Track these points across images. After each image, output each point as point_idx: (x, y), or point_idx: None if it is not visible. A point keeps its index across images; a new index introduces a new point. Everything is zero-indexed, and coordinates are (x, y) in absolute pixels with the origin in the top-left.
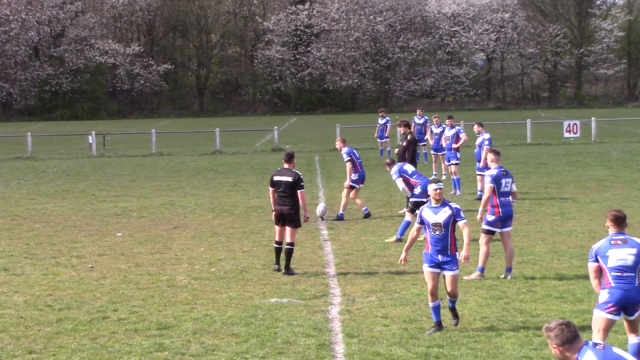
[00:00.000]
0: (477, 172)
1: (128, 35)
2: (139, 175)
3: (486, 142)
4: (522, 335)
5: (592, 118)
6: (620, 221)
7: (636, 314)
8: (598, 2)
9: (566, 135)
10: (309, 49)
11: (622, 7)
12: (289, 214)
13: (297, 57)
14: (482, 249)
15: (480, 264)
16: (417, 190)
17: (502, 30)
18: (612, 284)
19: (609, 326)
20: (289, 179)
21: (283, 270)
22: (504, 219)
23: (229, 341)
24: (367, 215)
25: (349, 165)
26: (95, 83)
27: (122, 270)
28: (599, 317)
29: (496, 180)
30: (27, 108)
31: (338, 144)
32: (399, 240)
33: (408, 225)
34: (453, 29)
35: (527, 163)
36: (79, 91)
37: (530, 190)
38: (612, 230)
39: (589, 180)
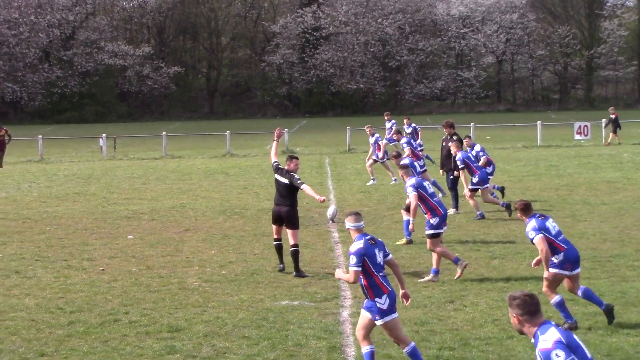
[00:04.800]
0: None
1: (138, 38)
2: (150, 177)
3: (481, 154)
4: None
5: (603, 120)
6: (530, 207)
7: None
8: (608, 4)
9: (577, 137)
10: (317, 51)
11: (632, 8)
12: (287, 215)
13: (305, 60)
14: (435, 253)
15: (435, 266)
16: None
17: (512, 31)
18: (565, 247)
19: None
20: (287, 181)
21: (294, 273)
22: (445, 219)
23: (240, 344)
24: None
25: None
26: (104, 86)
27: (133, 273)
28: (560, 274)
29: (419, 186)
30: (38, 111)
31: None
32: (410, 242)
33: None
34: (462, 31)
35: (537, 165)
36: (88, 94)
37: (541, 193)
38: (525, 217)
39: (600, 182)
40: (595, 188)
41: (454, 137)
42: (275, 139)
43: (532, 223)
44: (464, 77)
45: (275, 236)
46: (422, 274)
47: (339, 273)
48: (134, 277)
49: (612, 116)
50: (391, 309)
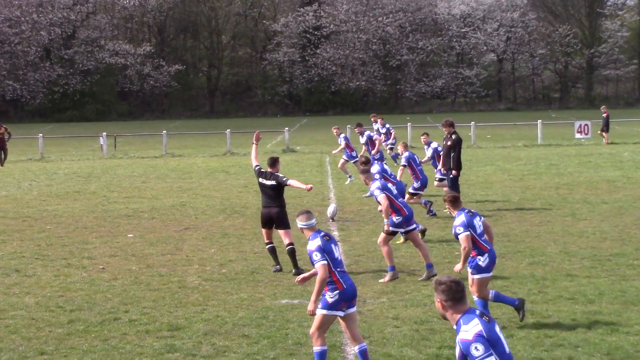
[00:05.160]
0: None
1: (139, 36)
2: (150, 176)
3: (439, 149)
4: (534, 336)
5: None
6: (459, 200)
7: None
8: (609, 3)
9: (577, 136)
10: (317, 50)
11: (633, 8)
12: (278, 216)
13: (306, 58)
14: (385, 249)
15: (390, 264)
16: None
17: (513, 30)
18: (488, 248)
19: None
20: (274, 182)
21: (293, 271)
22: (410, 219)
23: (240, 342)
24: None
25: (405, 170)
26: (105, 84)
27: (133, 272)
28: (487, 277)
29: (384, 188)
30: (39, 109)
31: (401, 149)
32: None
33: None
34: (463, 30)
35: (538, 164)
36: (89, 93)
37: (542, 191)
38: (454, 209)
39: (600, 181)
40: (595, 187)
41: (453, 136)
42: (254, 142)
43: (462, 218)
44: (465, 75)
45: (267, 240)
46: (422, 273)
47: (306, 274)
48: (134, 276)
49: (604, 115)
50: (336, 306)
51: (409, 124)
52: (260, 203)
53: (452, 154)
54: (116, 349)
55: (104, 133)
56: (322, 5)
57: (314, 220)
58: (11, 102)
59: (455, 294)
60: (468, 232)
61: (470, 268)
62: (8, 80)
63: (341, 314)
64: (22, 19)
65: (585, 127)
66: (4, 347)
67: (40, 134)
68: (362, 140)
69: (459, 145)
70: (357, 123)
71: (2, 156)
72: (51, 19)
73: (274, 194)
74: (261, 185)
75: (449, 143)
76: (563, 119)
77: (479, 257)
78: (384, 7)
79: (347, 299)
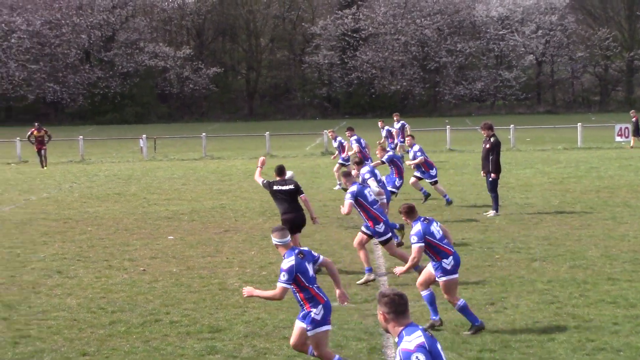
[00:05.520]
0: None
1: (178, 39)
2: (190, 178)
3: (419, 154)
4: (575, 340)
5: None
6: (415, 210)
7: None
8: None
9: (618, 139)
10: (356, 53)
11: None
12: (304, 219)
13: (346, 61)
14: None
15: (367, 265)
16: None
17: (551, 33)
18: (452, 250)
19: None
20: (291, 186)
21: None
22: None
23: (280, 344)
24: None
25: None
26: (144, 87)
27: (173, 274)
28: (454, 278)
29: (359, 194)
30: (79, 112)
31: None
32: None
33: None
34: (501, 32)
35: (578, 167)
36: (129, 95)
37: (582, 195)
38: (410, 220)
39: None
40: (636, 190)
41: (492, 139)
42: (259, 166)
43: (417, 227)
44: (504, 77)
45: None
46: (462, 277)
47: (257, 292)
48: (175, 278)
49: (633, 119)
50: (325, 320)
51: (448, 127)
52: (281, 212)
53: (490, 157)
54: (157, 350)
55: (144, 135)
56: (360, 7)
57: (288, 238)
58: (52, 105)
59: (397, 307)
60: (422, 244)
61: (437, 272)
62: (48, 83)
63: (329, 327)
64: (62, 21)
65: (626, 130)
66: (47, 347)
67: (81, 136)
68: (354, 145)
69: (498, 148)
70: (348, 127)
71: (43, 158)
72: (91, 22)
73: (293, 199)
74: (278, 193)
75: (487, 146)
76: (603, 122)
77: (443, 260)
78: (421, 9)
79: (331, 310)
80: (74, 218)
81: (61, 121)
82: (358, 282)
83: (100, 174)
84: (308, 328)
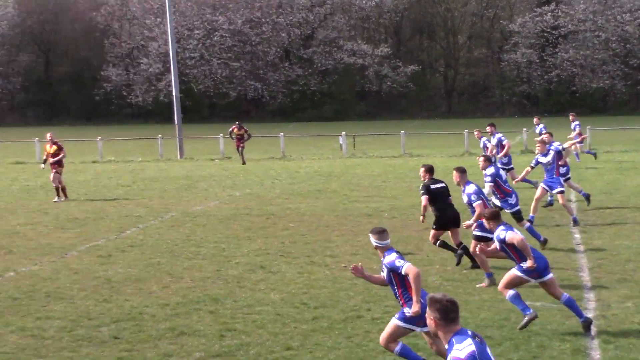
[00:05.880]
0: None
1: (376, 37)
2: (389, 176)
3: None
4: None
5: None
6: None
7: None
8: None
9: None
10: (556, 50)
11: None
12: (458, 215)
13: (545, 58)
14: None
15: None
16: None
17: None
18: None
19: None
20: (443, 183)
21: (471, 265)
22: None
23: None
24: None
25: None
26: (343, 84)
27: (375, 271)
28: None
29: (479, 193)
30: (279, 109)
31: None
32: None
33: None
34: None
35: None
36: (327, 93)
37: None
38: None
39: None
40: None
41: None
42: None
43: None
44: None
45: (457, 242)
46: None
47: (369, 275)
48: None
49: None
50: (414, 320)
51: None
52: (438, 210)
53: None
54: (360, 347)
55: (343, 132)
56: (559, 4)
57: (388, 240)
58: (252, 102)
59: (449, 313)
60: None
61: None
62: (250, 80)
63: (417, 329)
64: (263, 20)
65: None
66: (252, 341)
67: (282, 133)
68: (494, 141)
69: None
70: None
71: (240, 155)
72: (290, 20)
73: (447, 196)
74: (435, 193)
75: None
76: None
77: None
78: (622, 5)
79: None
80: (276, 214)
81: (262, 118)
82: (479, 285)
83: (300, 170)
84: (396, 316)
